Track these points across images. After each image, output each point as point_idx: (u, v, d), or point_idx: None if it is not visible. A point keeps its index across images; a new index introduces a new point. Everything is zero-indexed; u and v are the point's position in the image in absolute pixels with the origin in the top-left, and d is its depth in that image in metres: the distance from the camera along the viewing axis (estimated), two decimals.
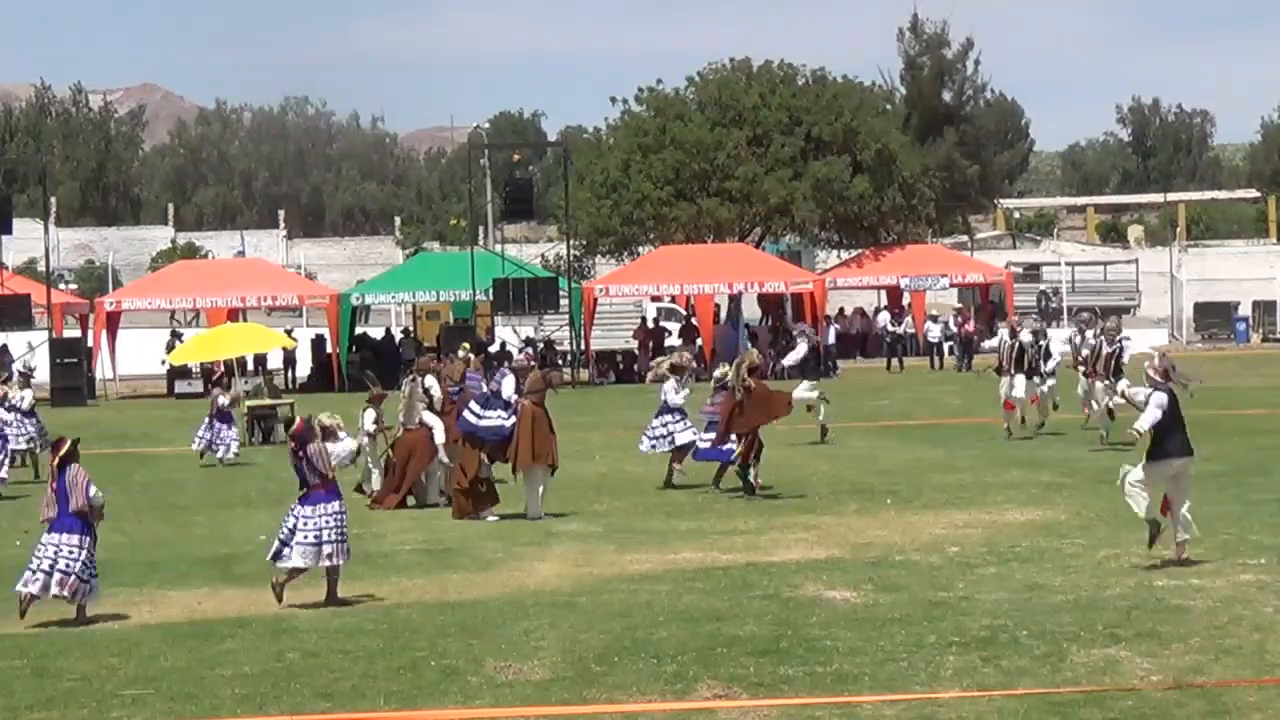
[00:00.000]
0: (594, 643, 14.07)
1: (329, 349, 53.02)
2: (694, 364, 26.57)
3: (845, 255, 65.17)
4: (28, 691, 12.98)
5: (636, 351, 54.84)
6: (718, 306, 58.13)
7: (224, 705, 12.41)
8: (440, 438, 23.44)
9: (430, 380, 24.19)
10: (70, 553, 15.65)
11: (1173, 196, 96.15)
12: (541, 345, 55.53)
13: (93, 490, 15.81)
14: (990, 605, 15.18)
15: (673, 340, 53.91)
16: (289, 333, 51.60)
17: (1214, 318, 68.60)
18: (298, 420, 16.88)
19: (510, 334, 56.06)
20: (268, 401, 34.79)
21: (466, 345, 28.50)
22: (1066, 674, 12.62)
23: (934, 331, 57.48)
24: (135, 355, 53.51)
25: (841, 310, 65.31)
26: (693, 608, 15.48)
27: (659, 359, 28.97)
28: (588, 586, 16.71)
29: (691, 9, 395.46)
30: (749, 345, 42.66)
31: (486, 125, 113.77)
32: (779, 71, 66.44)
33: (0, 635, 15.20)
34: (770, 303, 62.48)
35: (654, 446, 25.43)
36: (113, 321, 53.17)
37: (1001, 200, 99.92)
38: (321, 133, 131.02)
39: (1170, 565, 16.96)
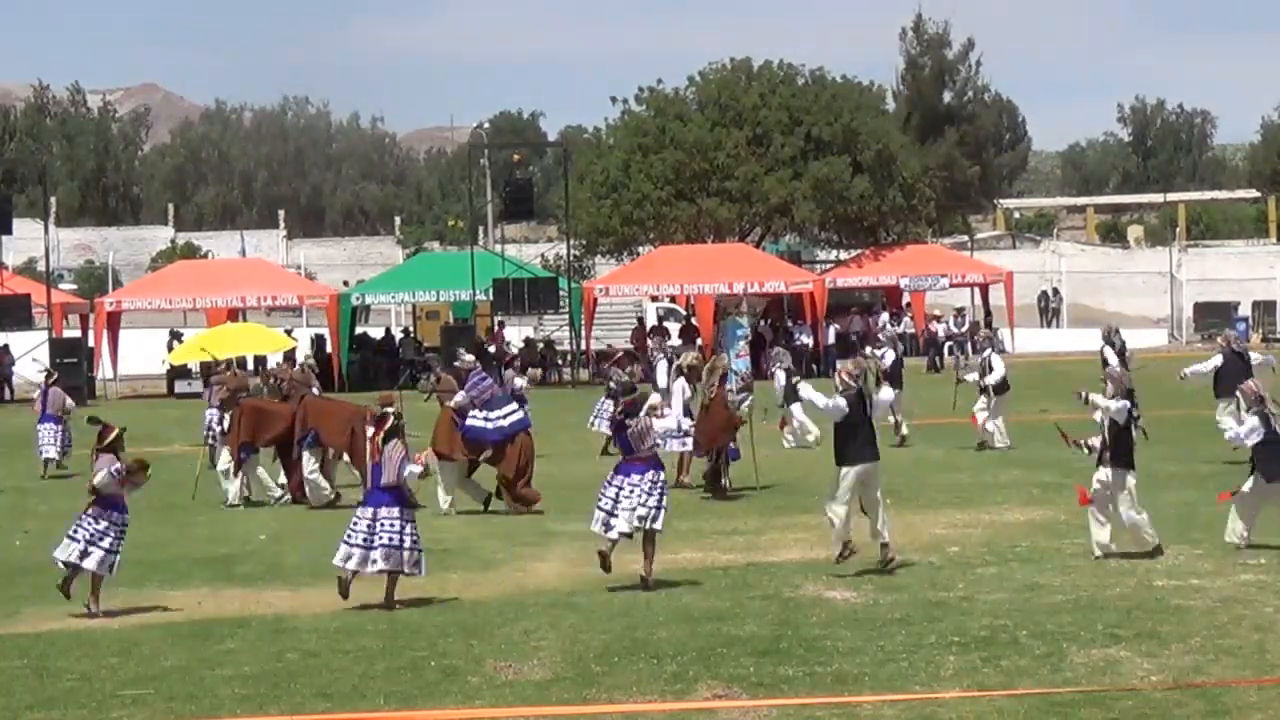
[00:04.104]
0: (594, 643, 14.07)
1: (329, 349, 53.04)
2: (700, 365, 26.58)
3: (845, 255, 65.03)
4: (28, 691, 12.98)
5: (636, 352, 54.73)
6: (718, 305, 58.04)
7: (224, 705, 12.42)
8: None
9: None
10: (391, 525, 15.79)
11: (1173, 196, 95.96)
12: (541, 345, 55.54)
13: (407, 469, 15.99)
14: (990, 605, 15.18)
15: (673, 341, 53.83)
16: (289, 333, 51.54)
17: (1214, 318, 68.46)
18: (636, 393, 17.29)
19: (515, 335, 56.08)
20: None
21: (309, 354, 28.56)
22: (1066, 674, 12.63)
23: (938, 331, 57.40)
24: (135, 355, 53.47)
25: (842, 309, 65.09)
26: (693, 608, 15.48)
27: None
28: (588, 586, 16.70)
29: (691, 9, 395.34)
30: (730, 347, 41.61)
31: (486, 125, 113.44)
32: (779, 71, 66.33)
33: (0, 635, 15.21)
34: (770, 302, 62.36)
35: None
36: (113, 321, 53.19)
37: (1001, 200, 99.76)
38: (321, 133, 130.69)
39: (1170, 565, 16.96)
